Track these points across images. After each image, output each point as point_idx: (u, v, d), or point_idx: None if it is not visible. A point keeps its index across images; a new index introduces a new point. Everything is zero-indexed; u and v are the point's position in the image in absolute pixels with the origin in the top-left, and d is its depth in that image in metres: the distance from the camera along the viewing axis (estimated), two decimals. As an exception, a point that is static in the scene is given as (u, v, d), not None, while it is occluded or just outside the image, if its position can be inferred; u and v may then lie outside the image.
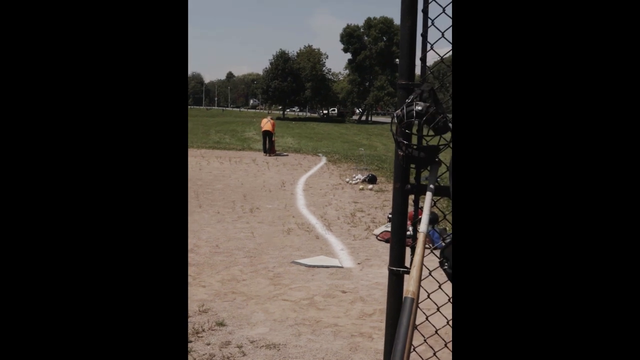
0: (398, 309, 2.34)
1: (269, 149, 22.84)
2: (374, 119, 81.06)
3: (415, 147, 2.37)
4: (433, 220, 7.35)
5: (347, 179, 14.90)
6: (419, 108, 2.29)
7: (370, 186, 13.65)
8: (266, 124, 23.07)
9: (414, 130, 2.39)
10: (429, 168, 2.37)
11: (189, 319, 4.64)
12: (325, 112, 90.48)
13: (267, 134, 22.99)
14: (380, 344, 4.07)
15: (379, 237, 7.89)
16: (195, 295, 5.33)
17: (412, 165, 2.43)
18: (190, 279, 5.82)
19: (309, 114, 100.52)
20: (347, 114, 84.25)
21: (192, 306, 4.97)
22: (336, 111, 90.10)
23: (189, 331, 4.37)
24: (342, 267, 6.50)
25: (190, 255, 6.79)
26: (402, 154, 2.37)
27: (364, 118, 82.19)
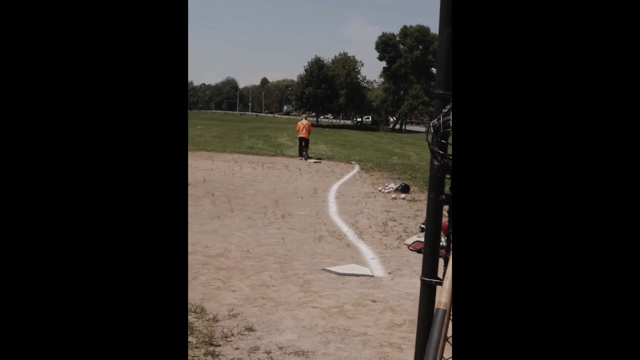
0: (429, 320, 2.31)
1: (305, 152, 23.70)
2: (408, 127, 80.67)
3: (451, 157, 2.35)
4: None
5: (380, 188, 14.84)
6: (456, 118, 2.27)
7: (402, 195, 13.58)
8: (302, 130, 23.91)
9: (450, 140, 2.36)
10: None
11: (219, 323, 4.66)
12: (359, 119, 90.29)
13: (303, 140, 23.90)
14: (409, 355, 4.04)
15: (410, 247, 7.84)
16: (225, 299, 5.35)
17: (448, 176, 2.41)
18: (220, 283, 5.84)
19: (342, 121, 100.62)
20: (381, 122, 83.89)
21: (222, 310, 4.99)
22: (370, 119, 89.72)
23: (218, 335, 4.38)
24: (372, 276, 6.47)
25: (220, 259, 6.82)
26: (437, 164, 2.35)
27: (397, 127, 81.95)
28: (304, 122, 24.54)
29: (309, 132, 24.33)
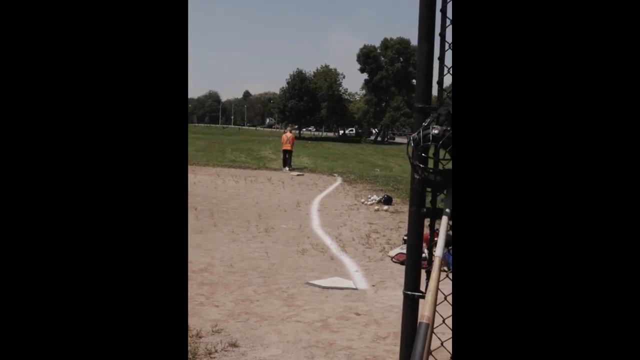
0: (413, 333, 2.31)
1: (288, 163, 25.09)
2: (391, 139, 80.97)
3: (431, 170, 2.36)
4: (449, 243, 7.29)
5: (363, 200, 14.86)
6: (436, 132, 2.28)
7: (385, 207, 13.61)
8: (286, 143, 25.44)
9: (431, 153, 2.38)
10: (445, 192, 2.35)
11: (202, 339, 4.62)
12: (343, 131, 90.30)
13: (287, 152, 25.44)
14: (394, 368, 4.03)
15: (394, 259, 7.84)
16: (209, 315, 5.31)
17: (428, 189, 2.42)
18: (203, 299, 5.80)
19: (325, 134, 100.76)
20: (364, 134, 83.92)
21: (206, 326, 4.95)
22: (354, 131, 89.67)
23: (202, 351, 4.34)
24: (356, 289, 6.46)
25: (204, 274, 6.78)
26: (418, 177, 2.36)
27: (379, 138, 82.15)
28: (288, 134, 26.07)
29: (292, 144, 25.65)
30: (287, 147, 25.38)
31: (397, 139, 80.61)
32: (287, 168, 24.77)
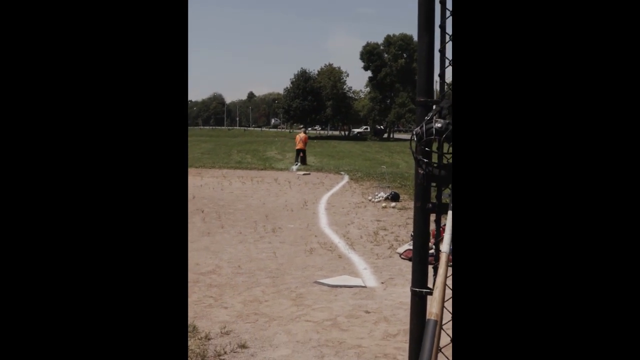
0: (421, 331, 2.28)
1: (301, 160, 27.03)
2: (396, 135, 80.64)
3: (435, 165, 2.33)
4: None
5: (370, 197, 14.82)
6: (439, 125, 2.25)
7: (393, 204, 13.56)
8: (299, 142, 27.51)
9: (434, 148, 2.34)
10: (450, 186, 2.32)
11: (211, 341, 4.60)
12: (356, 130, 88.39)
13: (300, 151, 27.46)
14: (404, 366, 3.99)
15: (402, 256, 7.81)
16: (217, 316, 5.29)
17: (434, 184, 2.38)
18: (212, 301, 5.79)
19: (330, 132, 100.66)
20: (376, 132, 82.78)
21: (214, 328, 4.93)
22: (369, 129, 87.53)
23: (211, 353, 4.32)
24: (365, 287, 6.43)
25: (212, 276, 6.76)
26: (422, 172, 2.33)
27: (385, 135, 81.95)
28: (302, 135, 28.10)
29: (305, 143, 27.77)
30: (300, 146, 27.29)
31: (397, 135, 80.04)
32: (297, 164, 26.07)
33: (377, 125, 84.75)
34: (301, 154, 27.44)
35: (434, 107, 2.34)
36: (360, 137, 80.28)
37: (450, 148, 2.28)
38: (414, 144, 2.34)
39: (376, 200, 14.31)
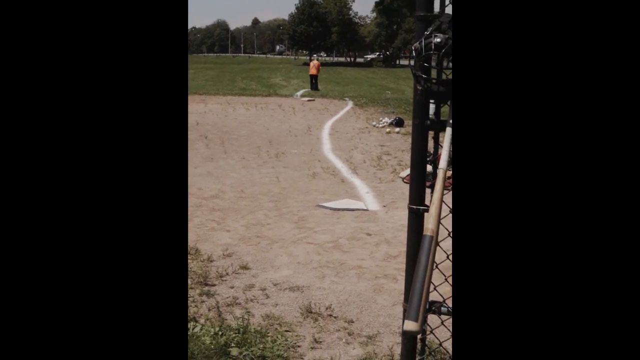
0: (418, 248, 2.28)
1: (315, 86, 28.92)
2: (402, 62, 79.53)
3: (434, 81, 2.28)
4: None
5: (374, 123, 14.75)
6: (438, 40, 2.19)
7: (397, 129, 13.51)
8: (312, 68, 29.42)
9: (433, 63, 2.29)
10: (449, 103, 2.27)
11: (213, 263, 4.66)
12: (369, 57, 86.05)
13: (313, 77, 29.29)
14: (404, 286, 4.04)
15: (405, 180, 7.81)
16: (220, 239, 5.34)
17: (432, 101, 2.34)
18: (214, 224, 5.83)
19: (336, 59, 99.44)
20: (386, 58, 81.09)
21: (217, 250, 4.99)
22: (382, 56, 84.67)
23: (213, 275, 4.38)
24: (367, 210, 6.46)
25: (214, 200, 6.80)
26: (420, 88, 2.28)
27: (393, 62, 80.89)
28: (315, 62, 30.17)
29: (317, 69, 29.60)
30: (314, 72, 29.16)
31: (404, 62, 78.64)
32: (306, 91, 27.50)
33: (386, 52, 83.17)
34: (313, 80, 29.18)
35: (434, 21, 2.27)
36: (368, 65, 79.04)
37: (450, 64, 2.22)
38: (412, 61, 2.29)
39: (380, 125, 14.25)
